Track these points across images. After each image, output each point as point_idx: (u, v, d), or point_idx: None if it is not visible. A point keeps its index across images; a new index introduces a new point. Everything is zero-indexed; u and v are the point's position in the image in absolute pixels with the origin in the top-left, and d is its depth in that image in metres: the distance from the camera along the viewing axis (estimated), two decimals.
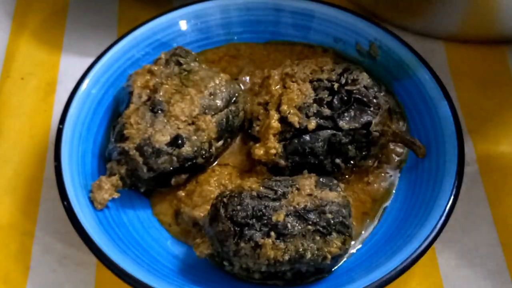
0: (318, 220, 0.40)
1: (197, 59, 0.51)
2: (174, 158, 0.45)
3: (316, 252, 0.40)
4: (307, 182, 0.43)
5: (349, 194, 0.46)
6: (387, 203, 0.47)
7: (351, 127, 0.45)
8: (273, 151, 0.46)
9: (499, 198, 0.50)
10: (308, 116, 0.46)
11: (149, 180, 0.46)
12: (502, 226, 0.48)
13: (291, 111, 0.46)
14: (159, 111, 0.46)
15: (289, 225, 0.40)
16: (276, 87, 0.49)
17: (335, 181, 0.44)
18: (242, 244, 0.40)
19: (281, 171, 0.46)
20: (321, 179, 0.43)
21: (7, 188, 0.50)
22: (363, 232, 0.45)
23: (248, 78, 0.52)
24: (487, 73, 0.57)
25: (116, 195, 0.45)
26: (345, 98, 0.46)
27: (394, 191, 0.47)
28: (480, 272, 0.46)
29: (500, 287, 0.46)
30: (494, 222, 0.48)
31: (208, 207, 0.43)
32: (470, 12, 0.53)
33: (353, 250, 0.44)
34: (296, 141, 0.46)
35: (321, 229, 0.40)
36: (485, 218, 0.49)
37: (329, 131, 0.45)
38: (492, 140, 0.53)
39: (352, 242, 0.44)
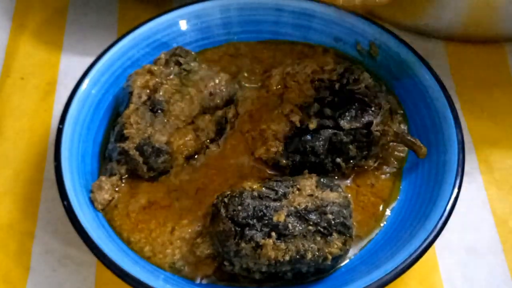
0: (319, 220, 0.40)
1: (197, 59, 0.51)
2: None
3: (317, 252, 0.40)
4: (308, 182, 0.43)
5: (360, 198, 0.46)
6: (394, 204, 0.46)
7: (352, 127, 0.45)
8: (274, 149, 0.46)
9: (499, 198, 0.50)
10: (309, 116, 0.46)
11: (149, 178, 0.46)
12: (502, 226, 0.48)
13: (293, 110, 0.46)
14: (159, 111, 0.46)
15: (290, 225, 0.40)
16: (277, 87, 0.49)
17: (336, 182, 0.44)
18: (243, 244, 0.40)
19: (281, 170, 0.46)
20: (322, 180, 0.43)
21: (7, 188, 0.50)
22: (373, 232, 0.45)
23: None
24: (487, 73, 0.57)
25: (116, 195, 0.45)
26: (346, 98, 0.46)
27: (399, 191, 0.47)
28: (480, 272, 0.46)
29: (500, 287, 0.46)
30: (494, 222, 0.48)
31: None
32: (470, 12, 0.53)
33: (355, 251, 0.44)
34: (297, 140, 0.46)
35: (322, 229, 0.40)
36: (485, 218, 0.49)
37: (330, 130, 0.45)
38: (492, 140, 0.53)
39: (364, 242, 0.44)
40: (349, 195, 0.44)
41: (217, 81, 0.48)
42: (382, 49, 0.51)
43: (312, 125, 0.45)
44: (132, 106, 0.47)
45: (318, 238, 0.40)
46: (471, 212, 0.49)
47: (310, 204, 0.41)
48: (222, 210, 0.41)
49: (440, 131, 0.46)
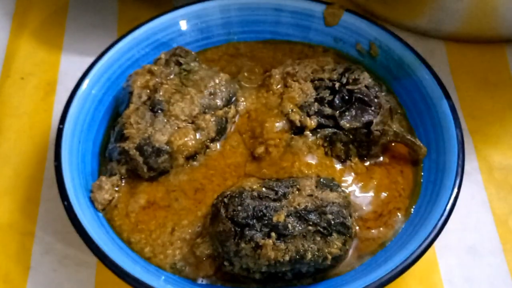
0: (318, 220, 0.40)
1: (197, 59, 0.51)
2: None
3: (317, 253, 0.40)
4: (308, 182, 0.43)
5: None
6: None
7: (352, 126, 0.45)
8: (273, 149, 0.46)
9: (499, 198, 0.50)
10: (309, 115, 0.46)
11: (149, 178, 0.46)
12: (502, 226, 0.48)
13: (293, 109, 0.46)
14: (159, 111, 0.46)
15: (289, 225, 0.40)
16: (278, 86, 0.49)
17: (335, 182, 0.44)
18: (243, 245, 0.40)
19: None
20: (321, 180, 0.43)
21: (7, 188, 0.50)
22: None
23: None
24: (487, 73, 0.57)
25: (116, 195, 0.45)
26: (346, 97, 0.46)
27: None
28: (480, 272, 0.46)
29: (500, 287, 0.46)
30: (494, 222, 0.48)
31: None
32: (470, 12, 0.53)
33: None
34: None
35: (321, 229, 0.40)
36: (485, 218, 0.49)
37: (330, 129, 0.45)
38: (492, 140, 0.53)
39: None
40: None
41: (217, 81, 0.48)
42: (382, 49, 0.51)
43: (312, 125, 0.45)
44: (132, 106, 0.47)
45: (318, 238, 0.40)
46: (471, 212, 0.49)
47: (310, 204, 0.41)
48: (222, 210, 0.41)
49: (440, 131, 0.46)
